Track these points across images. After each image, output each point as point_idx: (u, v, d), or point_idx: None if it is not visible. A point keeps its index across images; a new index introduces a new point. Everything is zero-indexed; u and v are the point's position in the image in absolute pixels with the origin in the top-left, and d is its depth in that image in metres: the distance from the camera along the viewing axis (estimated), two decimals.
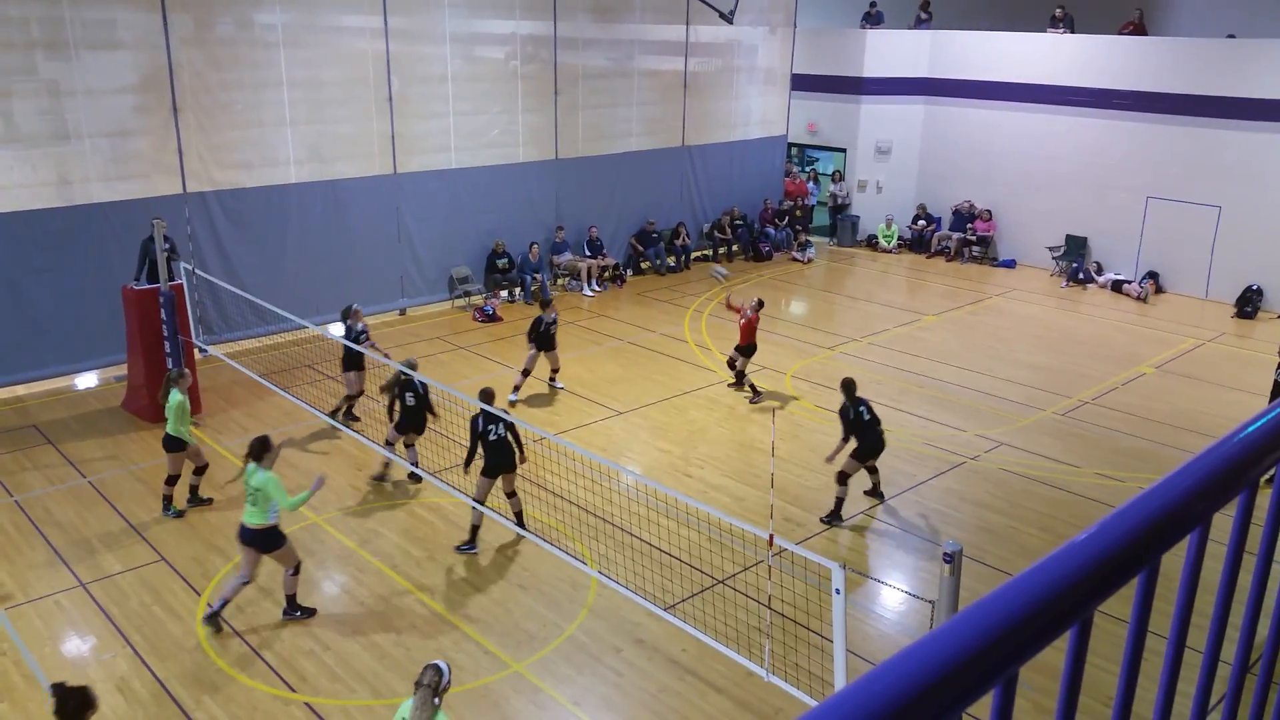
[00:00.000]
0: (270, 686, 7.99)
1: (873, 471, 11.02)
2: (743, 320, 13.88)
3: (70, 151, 13.97)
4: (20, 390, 14.01)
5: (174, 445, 10.48)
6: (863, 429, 10.45)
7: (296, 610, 8.88)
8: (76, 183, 14.05)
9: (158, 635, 8.62)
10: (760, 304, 14.18)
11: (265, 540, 8.59)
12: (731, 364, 14.26)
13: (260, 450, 8.58)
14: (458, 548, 9.98)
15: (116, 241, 13.99)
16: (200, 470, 10.87)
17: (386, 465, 11.43)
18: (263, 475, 8.45)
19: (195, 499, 10.89)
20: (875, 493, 11.14)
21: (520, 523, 9.79)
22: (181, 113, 14.68)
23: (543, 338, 13.62)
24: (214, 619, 8.64)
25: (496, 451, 9.73)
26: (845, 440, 10.55)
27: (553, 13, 18.84)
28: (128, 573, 9.58)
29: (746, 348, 13.95)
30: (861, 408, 10.50)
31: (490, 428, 9.71)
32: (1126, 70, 20.28)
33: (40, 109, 13.67)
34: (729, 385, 14.38)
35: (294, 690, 7.95)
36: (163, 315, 12.71)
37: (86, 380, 14.62)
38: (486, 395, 9.94)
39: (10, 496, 11.04)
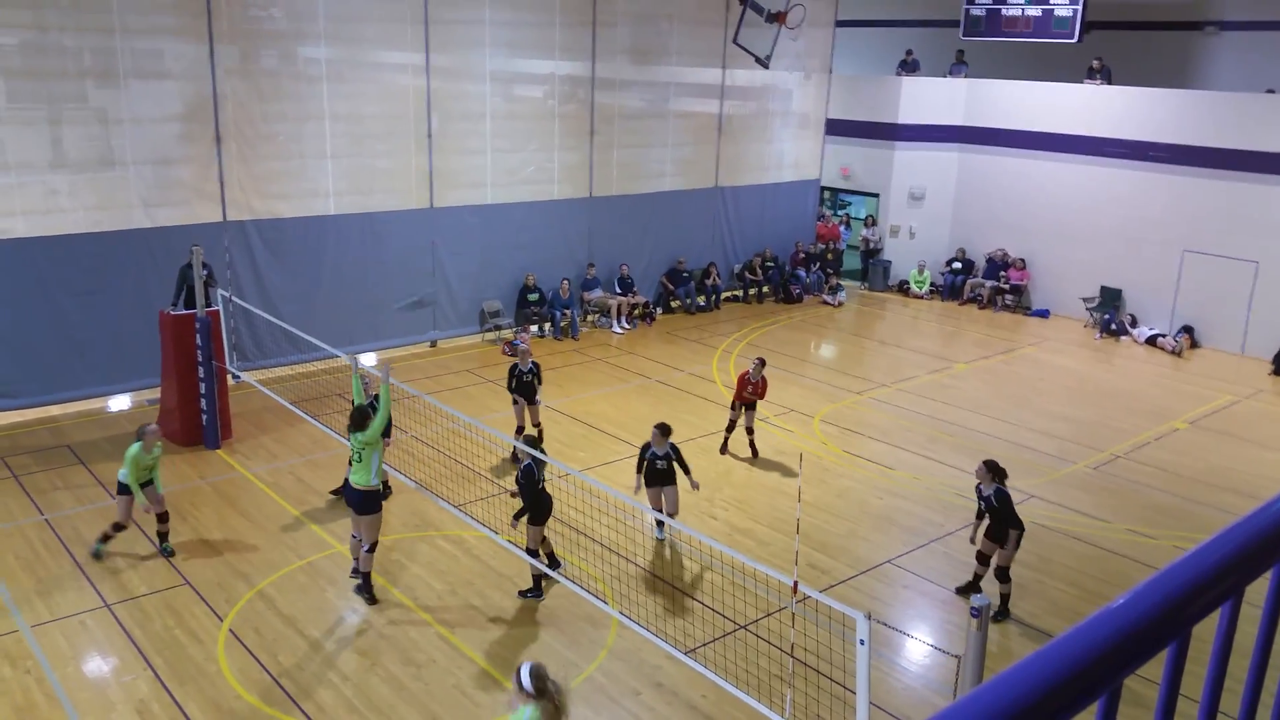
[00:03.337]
0: (288, 715, 7.98)
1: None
2: (754, 386, 13.16)
3: (115, 178, 14.27)
4: (55, 410, 14.21)
5: (122, 489, 10.10)
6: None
7: (369, 591, 9.60)
8: (120, 208, 14.33)
9: (179, 659, 8.65)
10: (761, 362, 13.29)
11: (365, 502, 9.34)
12: (733, 427, 13.45)
13: (361, 419, 9.35)
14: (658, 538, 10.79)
15: (156, 267, 14.22)
16: (161, 518, 10.35)
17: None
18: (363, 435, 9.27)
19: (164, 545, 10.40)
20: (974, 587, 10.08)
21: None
22: (224, 142, 14.97)
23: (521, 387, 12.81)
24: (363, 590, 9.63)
25: (661, 475, 10.62)
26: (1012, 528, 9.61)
27: (591, 54, 19.10)
28: (152, 595, 9.63)
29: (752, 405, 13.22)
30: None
31: (657, 461, 10.57)
32: (1164, 123, 20.22)
33: (88, 136, 13.98)
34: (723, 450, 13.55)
35: None
36: (198, 341, 12.88)
37: (120, 402, 14.81)
38: (664, 429, 10.69)
39: (41, 515, 11.17)
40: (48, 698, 8.08)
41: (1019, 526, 9.62)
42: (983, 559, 9.89)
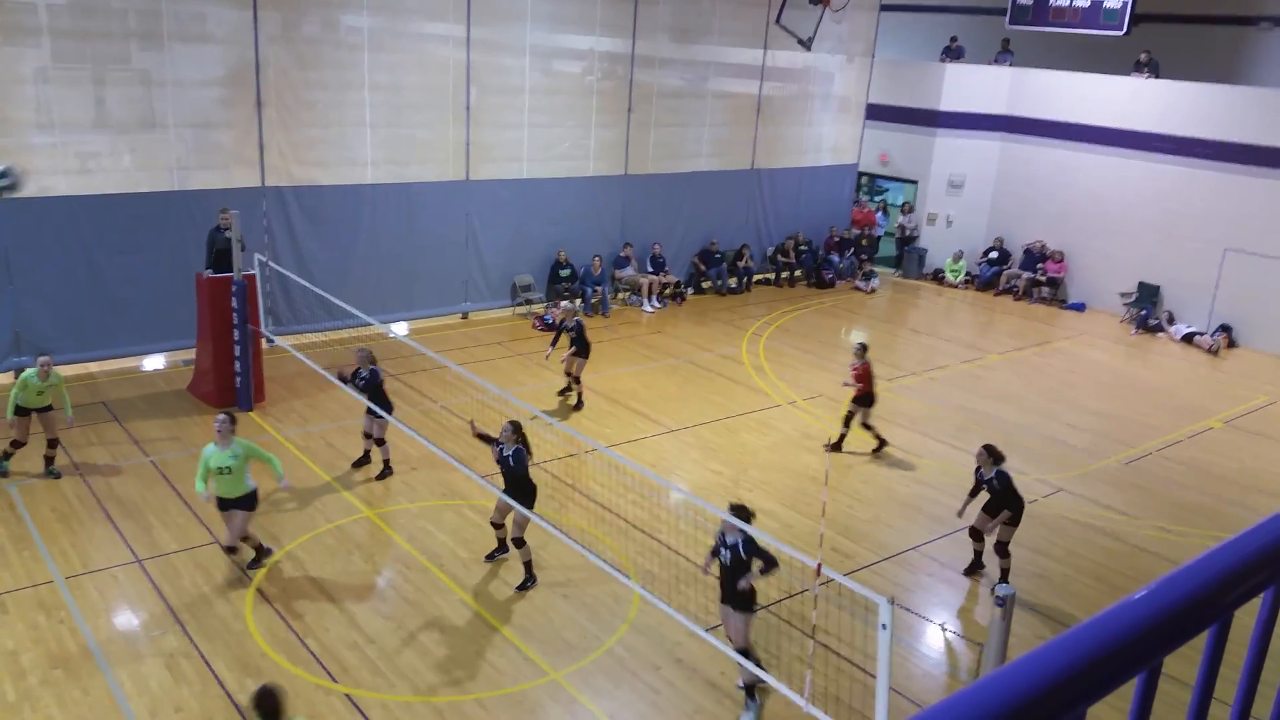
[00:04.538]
0: (312, 675, 8.11)
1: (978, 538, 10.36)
2: (853, 371, 12.82)
3: (156, 140, 14.40)
4: (93, 367, 14.43)
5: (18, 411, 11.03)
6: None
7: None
8: (160, 170, 14.47)
9: (206, 616, 8.80)
10: (863, 348, 12.80)
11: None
12: (848, 420, 13.02)
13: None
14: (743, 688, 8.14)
15: (194, 229, 14.35)
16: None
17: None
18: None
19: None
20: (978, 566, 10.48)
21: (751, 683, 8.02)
22: (265, 108, 15.05)
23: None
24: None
25: (728, 575, 7.86)
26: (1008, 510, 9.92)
27: (632, 31, 19.01)
28: (182, 552, 9.79)
29: (864, 398, 12.81)
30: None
31: (722, 549, 7.87)
32: (1210, 119, 19.87)
33: (131, 97, 14.11)
34: (827, 447, 13.00)
35: (335, 680, 8.06)
36: (234, 304, 13.02)
37: (155, 362, 15.01)
38: (739, 511, 7.68)
39: (76, 471, 11.36)
40: (80, 647, 8.25)
41: (1019, 504, 9.92)
42: (977, 535, 10.22)
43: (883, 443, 13.19)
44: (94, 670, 7.97)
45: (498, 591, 9.48)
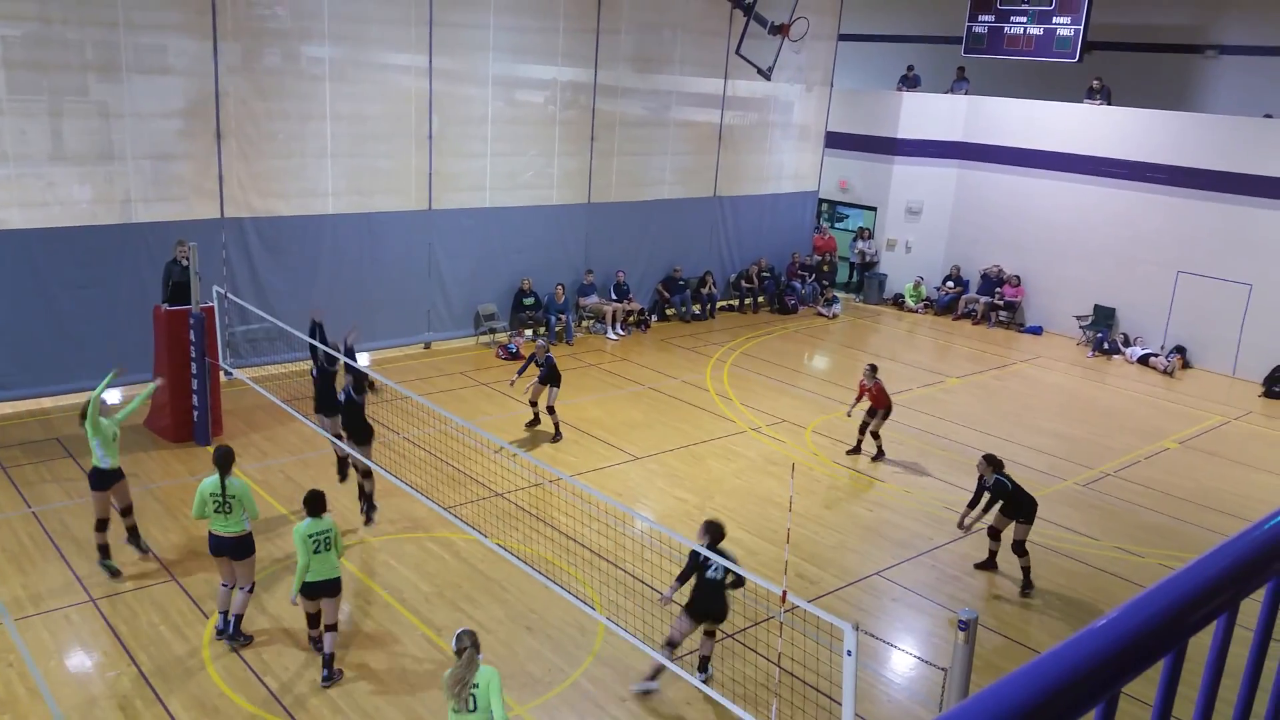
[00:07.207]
0: (271, 714, 7.94)
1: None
2: (866, 392, 13.84)
3: (114, 172, 14.23)
4: (46, 403, 14.15)
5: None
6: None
7: (240, 636, 8.80)
8: (118, 202, 14.29)
9: (163, 655, 8.60)
10: (872, 369, 13.87)
11: (239, 548, 8.76)
12: (864, 429, 14.05)
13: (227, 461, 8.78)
14: (636, 687, 8.43)
15: (152, 262, 14.17)
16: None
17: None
18: (237, 483, 8.74)
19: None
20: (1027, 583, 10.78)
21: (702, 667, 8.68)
22: (225, 139, 14.95)
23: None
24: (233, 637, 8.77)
25: (711, 595, 8.34)
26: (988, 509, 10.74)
27: (594, 61, 19.13)
28: (138, 591, 9.59)
29: (882, 411, 13.87)
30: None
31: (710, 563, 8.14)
32: (1162, 144, 20.32)
33: (88, 129, 13.95)
34: (847, 451, 14.18)
35: None
36: (191, 337, 12.84)
37: (111, 396, 14.73)
38: (714, 529, 8.30)
39: (29, 508, 11.11)
40: (30, 691, 8.03)
41: (1030, 503, 10.56)
42: (994, 534, 10.85)
43: (881, 453, 14.10)
44: (44, 715, 7.75)
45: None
